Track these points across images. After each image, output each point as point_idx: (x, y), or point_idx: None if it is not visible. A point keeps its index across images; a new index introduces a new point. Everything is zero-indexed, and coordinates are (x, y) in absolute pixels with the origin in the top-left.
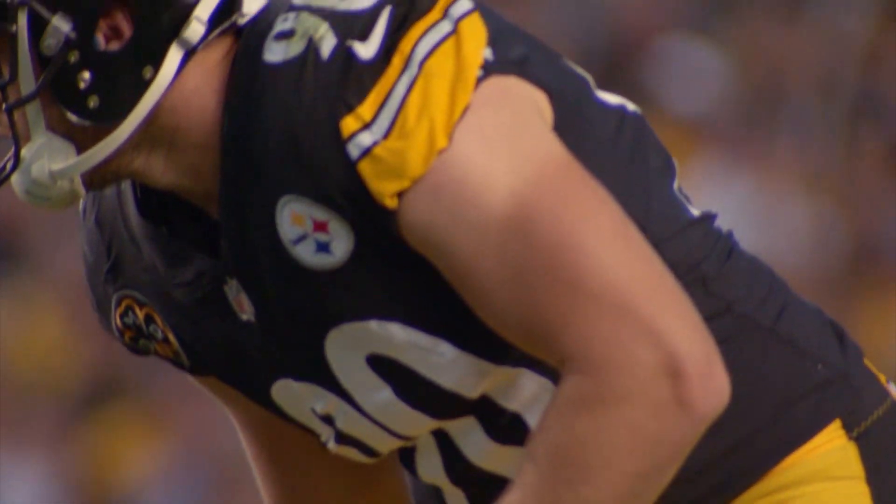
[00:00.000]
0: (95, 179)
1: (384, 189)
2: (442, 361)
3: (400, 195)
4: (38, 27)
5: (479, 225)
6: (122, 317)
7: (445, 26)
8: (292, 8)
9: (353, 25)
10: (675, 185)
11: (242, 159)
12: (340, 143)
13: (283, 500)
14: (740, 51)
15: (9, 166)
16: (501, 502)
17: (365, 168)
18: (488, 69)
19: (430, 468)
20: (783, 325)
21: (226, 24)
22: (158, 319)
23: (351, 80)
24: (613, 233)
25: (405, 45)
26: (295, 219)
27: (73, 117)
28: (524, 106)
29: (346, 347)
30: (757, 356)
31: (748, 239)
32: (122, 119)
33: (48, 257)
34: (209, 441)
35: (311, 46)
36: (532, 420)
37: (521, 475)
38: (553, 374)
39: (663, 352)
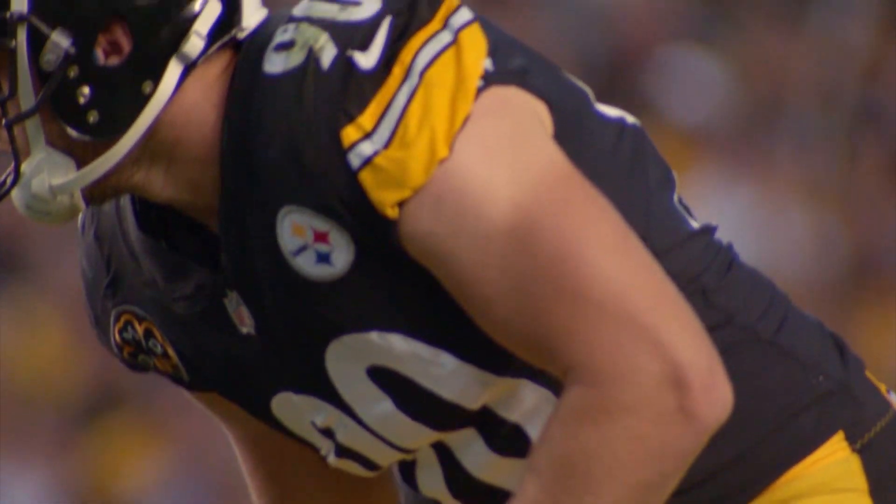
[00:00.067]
0: (95, 194)
1: (385, 198)
2: (443, 373)
3: (401, 205)
4: (37, 42)
5: (481, 234)
6: (121, 332)
7: (446, 37)
8: (292, 19)
9: (353, 36)
10: (675, 198)
11: (242, 171)
12: (341, 152)
13: None
14: (741, 61)
15: (9, 181)
16: None
17: (366, 177)
18: (489, 79)
19: (431, 482)
20: (784, 337)
21: (225, 39)
22: (158, 334)
23: (351, 89)
24: (615, 242)
25: (406, 55)
26: (295, 229)
27: (72, 132)
28: (525, 116)
29: (346, 359)
30: (757, 368)
31: (749, 248)
32: (121, 134)
33: (49, 268)
34: (209, 451)
35: (312, 57)
36: (533, 431)
37: (523, 487)
38: (554, 385)
39: (666, 362)
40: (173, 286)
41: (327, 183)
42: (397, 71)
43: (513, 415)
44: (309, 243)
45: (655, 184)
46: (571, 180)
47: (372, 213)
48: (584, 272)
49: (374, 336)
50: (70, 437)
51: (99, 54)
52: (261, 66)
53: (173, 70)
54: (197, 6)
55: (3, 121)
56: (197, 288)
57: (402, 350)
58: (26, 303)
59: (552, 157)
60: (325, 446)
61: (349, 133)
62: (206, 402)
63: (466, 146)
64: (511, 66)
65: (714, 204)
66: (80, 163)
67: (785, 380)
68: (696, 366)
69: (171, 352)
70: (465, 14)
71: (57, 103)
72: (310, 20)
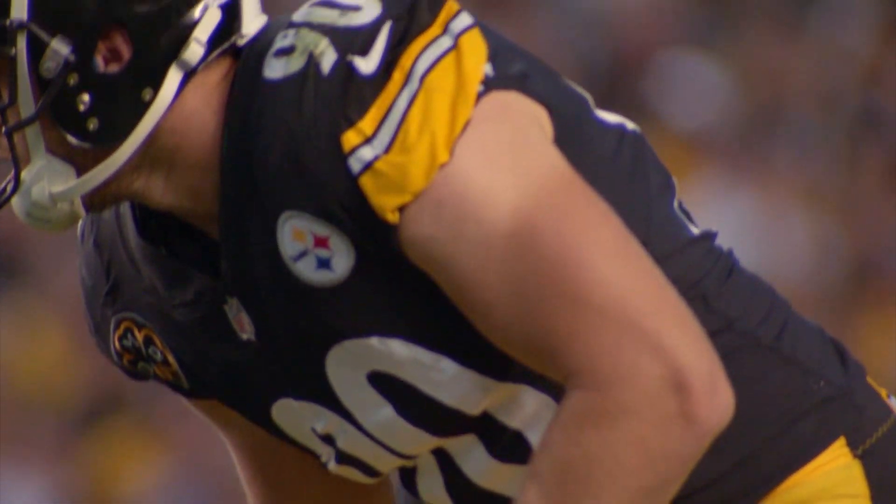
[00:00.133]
0: (96, 201)
1: (385, 203)
2: (443, 378)
3: (401, 210)
4: (37, 50)
5: (481, 239)
6: (120, 339)
7: (446, 41)
8: (292, 25)
9: (353, 41)
10: (675, 204)
11: (243, 177)
12: (342, 157)
13: None
14: (741, 66)
15: (9, 189)
16: None
17: (366, 182)
18: (489, 84)
19: (432, 488)
20: (784, 342)
21: (225, 46)
22: (158, 341)
23: (352, 94)
24: (616, 247)
25: (406, 59)
26: (296, 235)
27: (72, 140)
28: (525, 121)
29: (346, 365)
30: (758, 374)
31: (749, 253)
32: (121, 141)
33: (50, 273)
34: (209, 456)
35: (312, 62)
36: (534, 438)
37: (524, 492)
38: (555, 391)
39: (668, 365)
40: (173, 293)
41: (328, 188)
42: (397, 76)
43: (513, 421)
44: (309, 248)
45: (656, 190)
46: (572, 185)
47: (372, 218)
48: (585, 276)
49: (374, 341)
50: (70, 441)
51: (99, 61)
52: (261, 72)
53: (173, 77)
54: (197, 13)
55: (3, 128)
56: (197, 294)
57: (402, 355)
58: (27, 307)
59: (553, 161)
60: (326, 453)
61: (349, 138)
62: (204, 409)
63: (467, 151)
64: (511, 71)
65: (714, 208)
66: (81, 170)
67: (785, 385)
68: (697, 369)
69: (171, 359)
70: (465, 19)
71: (57, 111)
72: (310, 26)
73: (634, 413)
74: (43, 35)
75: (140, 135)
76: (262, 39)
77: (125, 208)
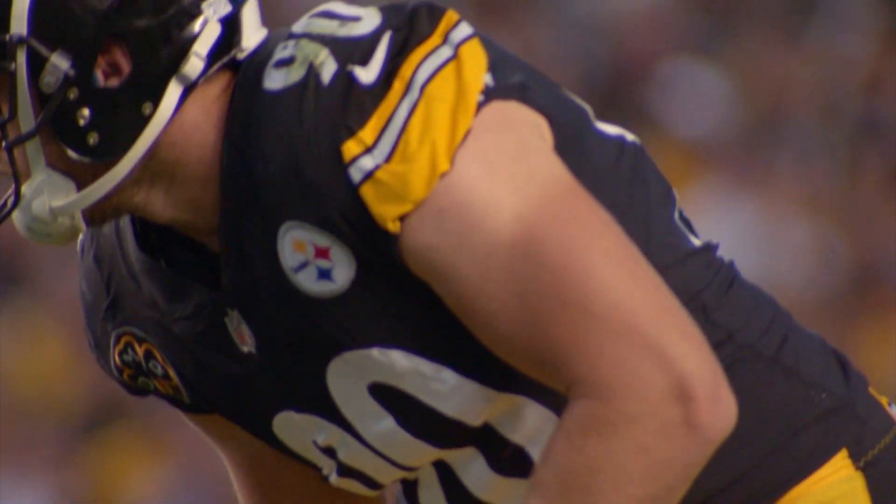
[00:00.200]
0: (96, 215)
1: (386, 213)
2: (444, 389)
3: (402, 219)
4: (37, 65)
5: (483, 248)
6: (121, 354)
7: (446, 51)
8: (292, 36)
9: (353, 51)
10: (676, 215)
11: (243, 189)
12: (342, 167)
13: None
14: (742, 74)
15: (9, 203)
16: None
17: (367, 192)
18: (489, 94)
19: (433, 501)
20: (786, 354)
21: (225, 59)
22: (158, 355)
23: (352, 104)
24: (618, 255)
25: (406, 69)
26: (297, 245)
27: (72, 154)
28: (526, 130)
29: (347, 376)
30: (759, 385)
31: (750, 261)
32: (121, 155)
33: (50, 280)
34: (209, 463)
35: (312, 72)
36: (535, 453)
37: (527, 502)
38: (557, 406)
39: (672, 374)
40: (174, 306)
41: (328, 197)
42: (398, 85)
43: (515, 436)
44: (310, 259)
45: (656, 201)
46: (574, 193)
47: (373, 228)
48: (587, 285)
49: (375, 352)
50: (71, 449)
51: (99, 76)
52: (260, 83)
53: (173, 91)
54: (196, 27)
55: (4, 143)
56: (197, 308)
57: (403, 366)
58: (28, 315)
59: (554, 170)
60: (327, 465)
61: (350, 147)
62: (203, 425)
63: (468, 160)
64: (511, 81)
65: (715, 216)
66: (81, 184)
67: (787, 397)
68: (700, 378)
69: (171, 373)
70: (464, 29)
71: (57, 125)
72: (310, 36)
73: (637, 421)
74: (43, 50)
75: (140, 149)
76: (262, 51)
77: (125, 222)
